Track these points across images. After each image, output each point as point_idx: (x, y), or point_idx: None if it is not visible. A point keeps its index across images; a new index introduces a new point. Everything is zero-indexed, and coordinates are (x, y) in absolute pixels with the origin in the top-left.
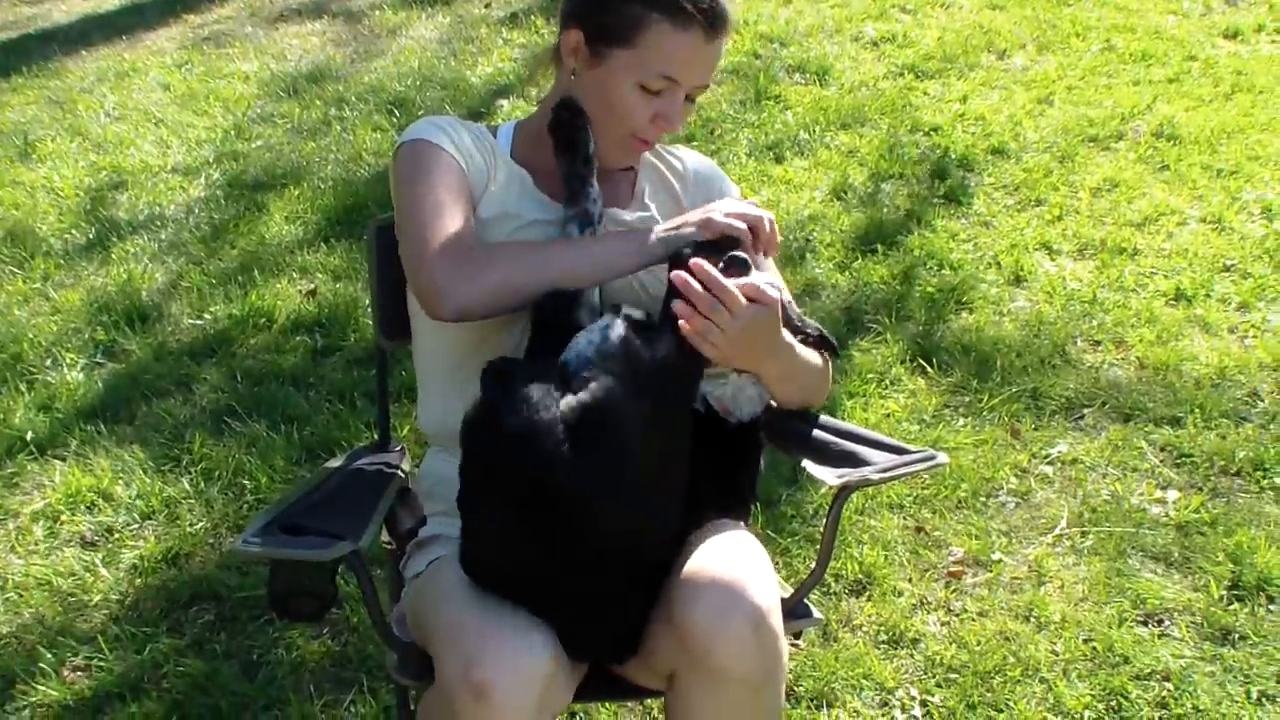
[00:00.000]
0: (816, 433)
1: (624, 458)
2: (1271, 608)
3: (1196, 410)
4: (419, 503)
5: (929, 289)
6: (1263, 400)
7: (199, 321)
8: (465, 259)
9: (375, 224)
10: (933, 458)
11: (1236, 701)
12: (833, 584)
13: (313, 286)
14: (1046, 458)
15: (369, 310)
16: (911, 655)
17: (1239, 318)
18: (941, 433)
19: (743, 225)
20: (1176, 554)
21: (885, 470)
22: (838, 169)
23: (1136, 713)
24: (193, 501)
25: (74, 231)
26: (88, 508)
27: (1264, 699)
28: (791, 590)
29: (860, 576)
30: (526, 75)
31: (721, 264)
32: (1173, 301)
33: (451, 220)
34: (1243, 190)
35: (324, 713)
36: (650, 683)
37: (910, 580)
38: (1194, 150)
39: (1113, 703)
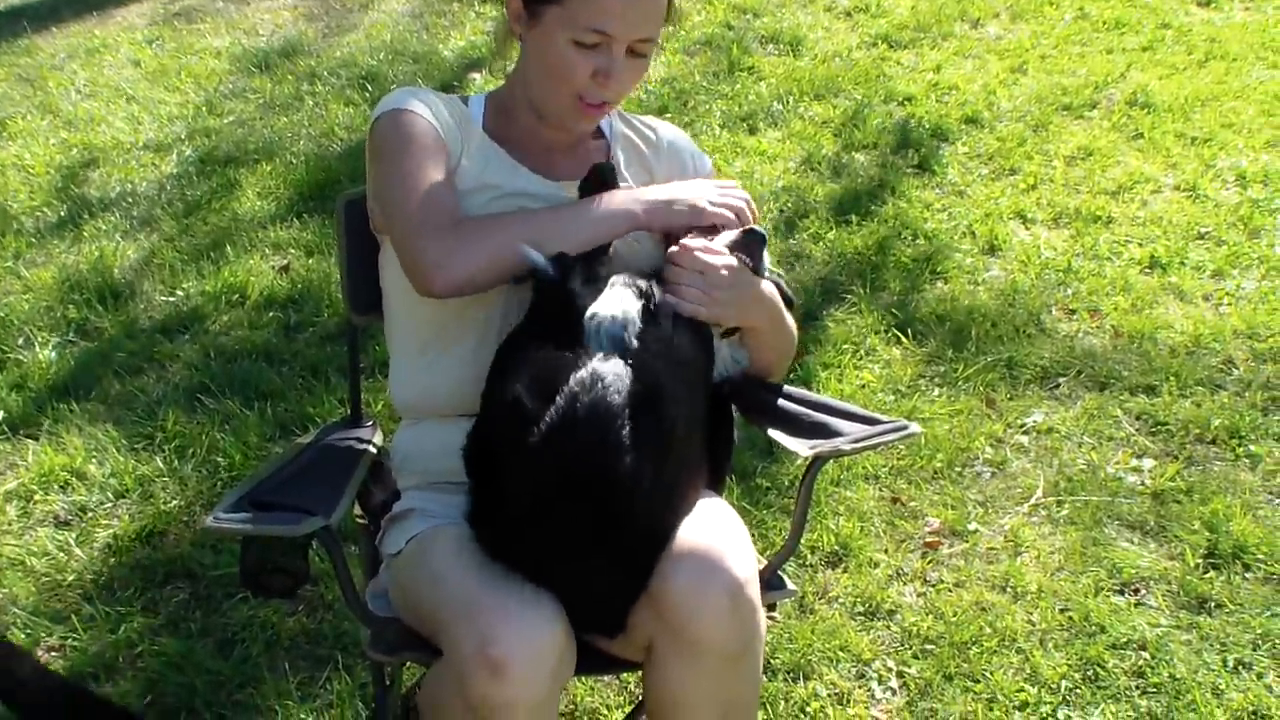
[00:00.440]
0: (787, 404)
1: (669, 444)
2: (1247, 576)
3: (1171, 378)
4: (391, 477)
5: (904, 259)
6: (1237, 368)
7: (171, 298)
8: (455, 233)
9: (344, 199)
10: (905, 427)
11: (1213, 670)
12: (808, 556)
13: (285, 262)
14: (1022, 427)
15: (341, 286)
16: (888, 627)
17: (1213, 285)
18: (917, 403)
19: (730, 215)
20: (1152, 523)
21: (857, 441)
22: (811, 140)
23: (1113, 682)
24: (166, 480)
25: (45, 209)
26: (61, 487)
27: (1240, 667)
28: (766, 563)
29: (836, 548)
30: (494, 49)
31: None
32: (1147, 270)
33: (438, 192)
34: (1216, 158)
35: (299, 690)
36: (627, 654)
37: (886, 551)
38: (1168, 118)
39: (1089, 672)
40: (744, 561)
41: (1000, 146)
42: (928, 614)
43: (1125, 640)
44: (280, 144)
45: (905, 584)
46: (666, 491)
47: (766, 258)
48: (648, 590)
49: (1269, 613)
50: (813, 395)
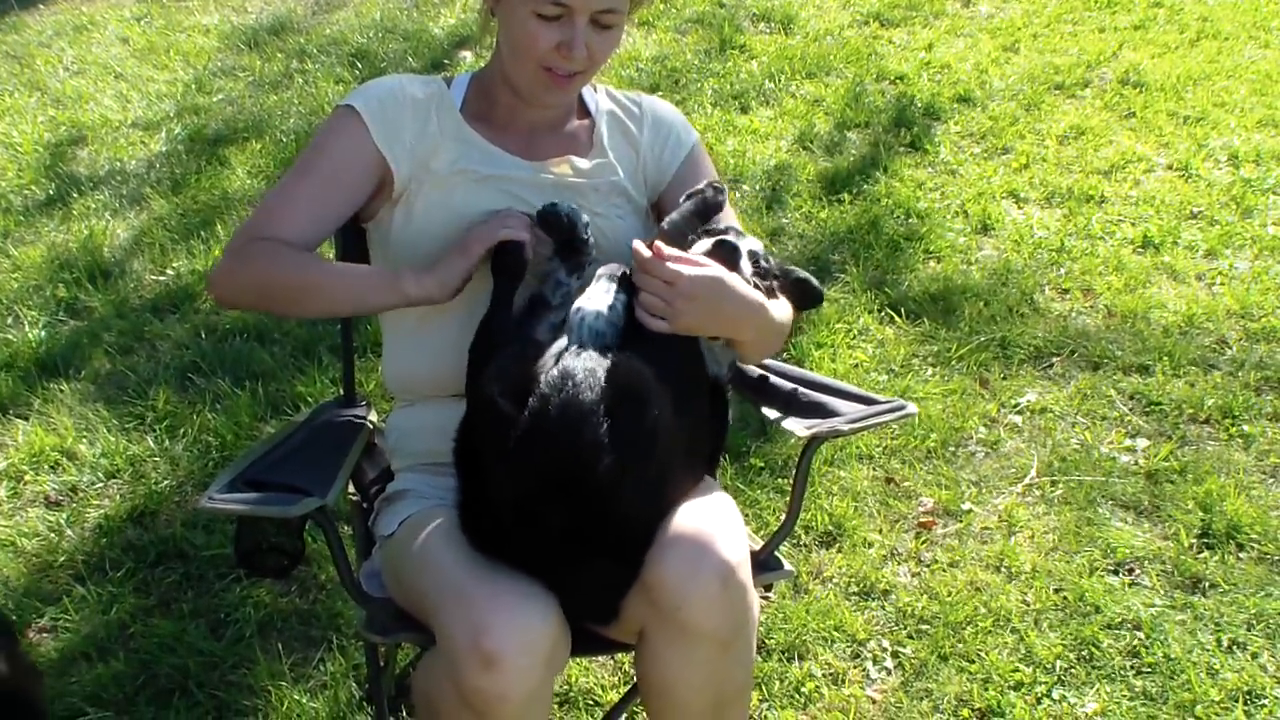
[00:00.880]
0: (784, 384)
1: (652, 438)
2: (1241, 555)
3: (1165, 358)
4: (384, 457)
5: (896, 238)
6: (1230, 348)
7: (161, 277)
8: (243, 263)
9: None
10: (902, 407)
11: (1208, 650)
12: (803, 536)
13: None
14: (1015, 407)
15: None
16: (883, 607)
17: (1206, 265)
18: (910, 382)
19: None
20: (1146, 503)
21: (854, 421)
22: (803, 118)
23: (1108, 662)
24: (158, 459)
25: (33, 187)
26: (51, 467)
27: (1235, 646)
28: (762, 543)
29: (830, 528)
30: (479, 29)
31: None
32: (1140, 249)
33: (285, 203)
34: (1209, 137)
35: (293, 671)
36: (621, 636)
37: (880, 531)
38: (1160, 97)
39: (1084, 652)
40: (735, 545)
41: (992, 125)
42: (922, 594)
43: (1120, 620)
44: (270, 122)
45: (899, 564)
46: (653, 486)
47: (746, 267)
48: (639, 575)
49: (1262, 592)
50: (810, 374)
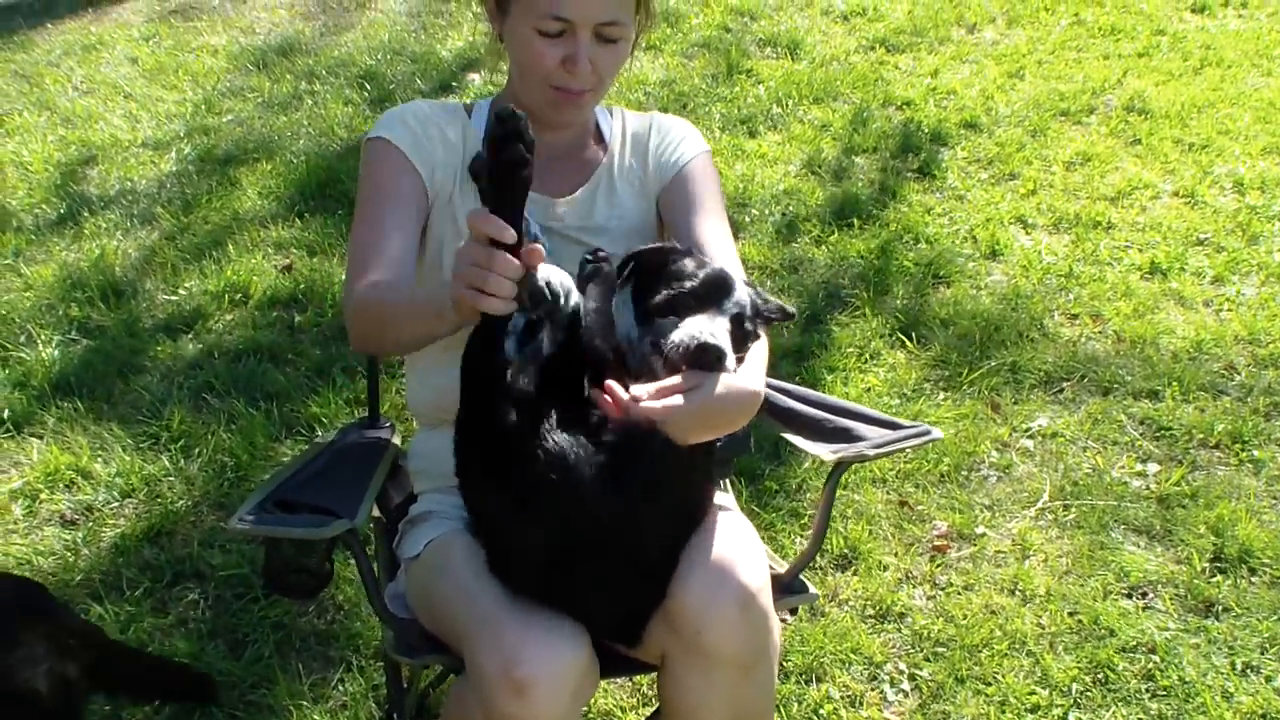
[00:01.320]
0: (809, 410)
1: (660, 482)
2: (1254, 580)
3: (1174, 383)
4: (408, 479)
5: (906, 263)
6: (1239, 373)
7: (174, 297)
8: (360, 312)
9: None
10: (927, 432)
11: (1222, 673)
12: (819, 559)
13: (288, 262)
14: (1027, 431)
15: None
16: (899, 629)
17: (1214, 291)
18: (922, 406)
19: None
20: (1158, 527)
21: (880, 445)
22: (811, 143)
23: (1123, 685)
24: (173, 479)
25: (44, 206)
26: (66, 486)
27: (1248, 670)
28: (785, 566)
29: (845, 551)
30: (490, 54)
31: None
32: (1148, 275)
33: (371, 237)
34: (1214, 164)
35: (312, 691)
36: (644, 658)
37: (895, 555)
38: (1165, 124)
39: (1099, 675)
40: (755, 571)
41: (999, 151)
42: (938, 617)
43: (1134, 643)
44: (280, 143)
45: (915, 587)
46: (671, 527)
47: (730, 359)
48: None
49: (1275, 616)
50: (832, 399)
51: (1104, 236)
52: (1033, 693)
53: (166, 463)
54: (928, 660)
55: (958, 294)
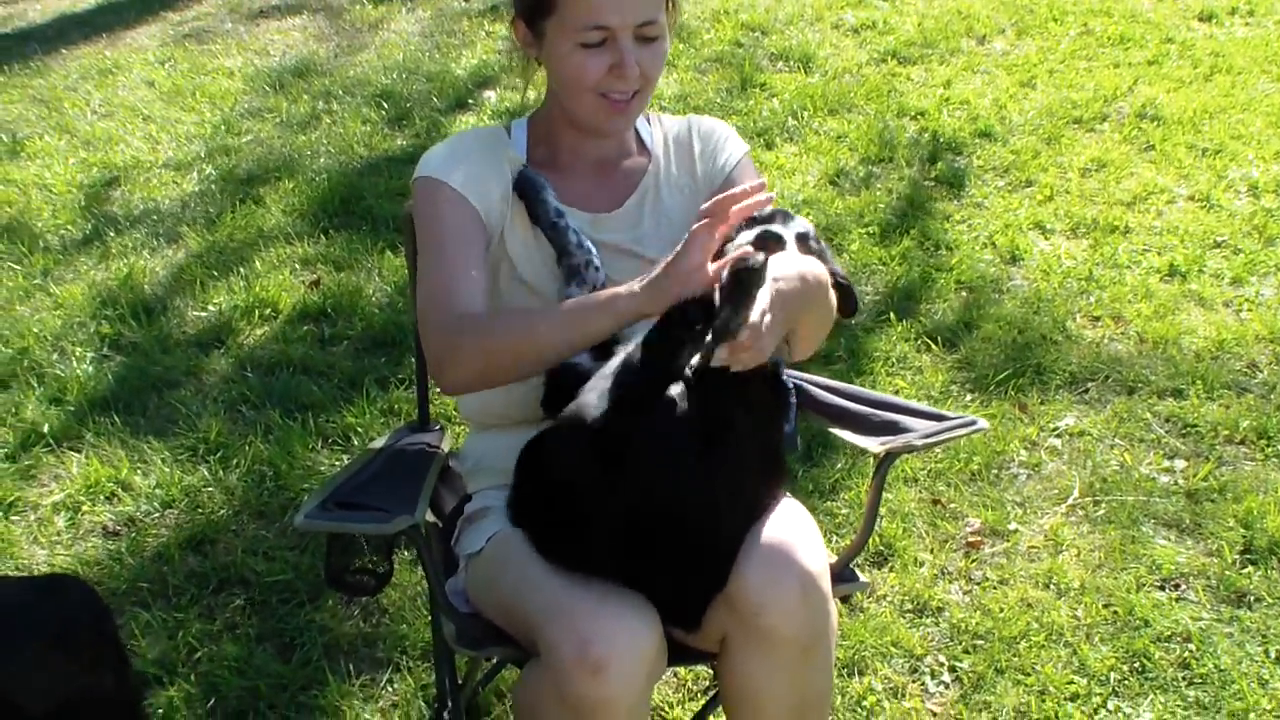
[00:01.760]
0: (854, 405)
1: (737, 467)
2: None
3: (1198, 382)
4: (459, 481)
5: (928, 269)
6: (1261, 371)
7: (203, 313)
8: (456, 352)
9: (409, 211)
10: (973, 423)
11: (1257, 660)
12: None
13: (315, 277)
14: (1054, 430)
15: (373, 299)
16: (936, 624)
17: (1233, 292)
18: (950, 408)
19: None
20: (1188, 521)
21: (927, 436)
22: (828, 154)
23: (1160, 673)
24: (213, 489)
25: (70, 227)
26: (107, 498)
27: None
28: (834, 557)
29: (881, 548)
30: (518, 74)
31: (757, 239)
32: (1167, 277)
33: (445, 280)
34: (1228, 168)
35: (361, 692)
36: (702, 645)
37: (930, 551)
38: (1177, 130)
39: (1136, 664)
40: (815, 555)
41: (1015, 159)
42: (975, 610)
43: (1169, 633)
44: (300, 161)
45: (950, 582)
46: (743, 508)
47: (793, 248)
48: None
49: None
50: (877, 394)
51: (1122, 240)
52: (1071, 682)
53: (206, 473)
54: (967, 652)
55: (980, 299)
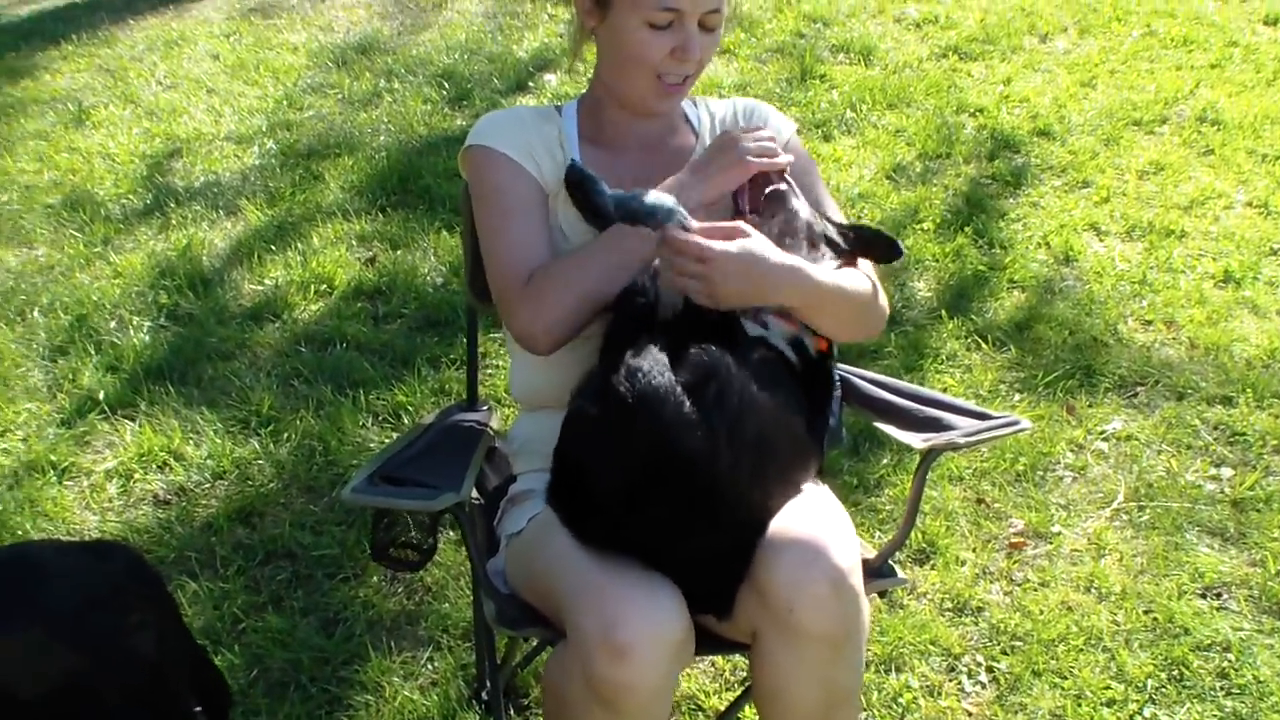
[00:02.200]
0: (899, 400)
1: (741, 418)
2: None
3: (1248, 390)
4: (505, 462)
5: (980, 267)
6: None
7: (260, 287)
8: (535, 302)
9: (466, 187)
10: (1016, 422)
11: None
12: (898, 553)
13: (371, 254)
14: (1102, 434)
15: (428, 278)
16: (976, 623)
17: None
18: (998, 407)
19: (772, 161)
20: (1232, 529)
21: (970, 434)
22: (885, 148)
23: (1198, 682)
24: (263, 462)
25: (131, 197)
26: (159, 467)
27: None
28: (874, 552)
29: (924, 546)
30: (570, 50)
31: (763, 198)
32: (1221, 283)
33: (514, 246)
34: None
35: (402, 668)
36: (735, 636)
37: (973, 550)
38: (1238, 135)
39: (1174, 672)
40: (847, 550)
41: (1072, 159)
42: (1014, 612)
43: (1209, 642)
44: (361, 139)
45: (992, 582)
46: (753, 468)
47: (800, 206)
48: (752, 578)
49: None
50: (922, 390)
51: (1177, 245)
52: (1108, 687)
53: (256, 446)
54: (1005, 653)
55: (1032, 299)
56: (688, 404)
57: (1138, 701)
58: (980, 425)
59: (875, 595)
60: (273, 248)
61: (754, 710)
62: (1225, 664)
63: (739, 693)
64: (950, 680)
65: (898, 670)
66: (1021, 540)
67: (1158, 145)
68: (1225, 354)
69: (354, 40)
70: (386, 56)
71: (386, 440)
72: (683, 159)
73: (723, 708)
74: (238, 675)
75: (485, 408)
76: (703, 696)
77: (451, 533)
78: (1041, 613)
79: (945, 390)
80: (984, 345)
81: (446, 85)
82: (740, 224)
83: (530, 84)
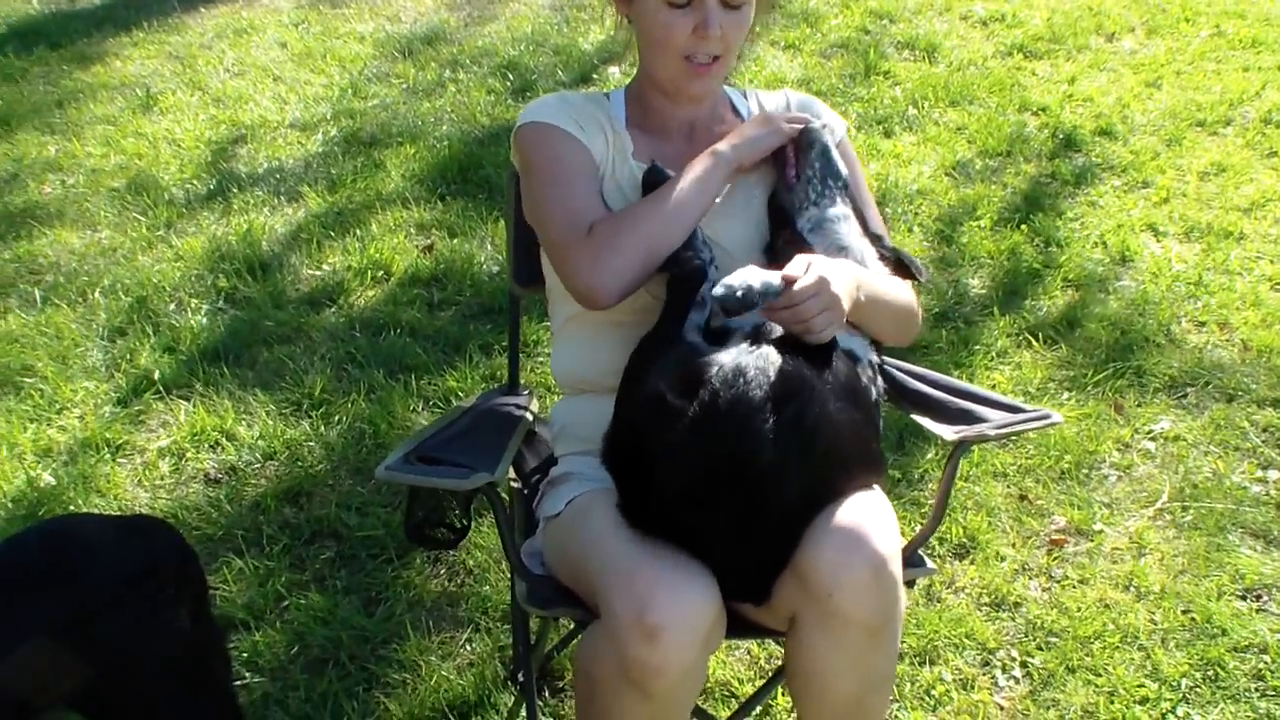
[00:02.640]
0: (933, 392)
1: (813, 434)
2: None
3: None
4: (545, 446)
5: (1035, 265)
6: None
7: (318, 272)
8: (595, 245)
9: (513, 172)
10: (1047, 416)
11: None
12: (937, 546)
13: (429, 242)
14: (1149, 433)
15: (484, 267)
16: (1013, 618)
17: None
18: (1045, 404)
19: (800, 126)
20: (1276, 532)
21: (1001, 427)
22: (946, 145)
23: (1233, 683)
24: (313, 444)
25: (195, 182)
26: (211, 446)
27: None
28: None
29: (964, 540)
30: (626, 43)
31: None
32: (1278, 286)
33: (577, 207)
34: None
35: (440, 649)
36: (771, 623)
37: (1013, 546)
38: None
39: (1210, 672)
40: (888, 538)
41: (1133, 159)
42: (1052, 608)
43: (1246, 643)
44: (423, 128)
45: (1030, 578)
46: (813, 476)
47: (848, 232)
48: (793, 563)
49: None
50: (957, 382)
51: (1235, 246)
52: (1142, 685)
53: (307, 428)
54: (1040, 649)
55: (1086, 298)
56: (771, 421)
57: (1171, 700)
58: (1011, 418)
59: (908, 586)
60: (332, 234)
61: (786, 695)
62: (1261, 665)
63: (775, 670)
64: (984, 674)
65: (931, 663)
66: (1063, 537)
67: (1220, 146)
68: (1278, 356)
69: (420, 30)
70: (452, 47)
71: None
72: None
73: None
74: (279, 651)
75: (526, 392)
76: (736, 684)
77: (493, 515)
78: (1079, 609)
79: (994, 387)
80: (1035, 343)
81: (510, 76)
82: (811, 261)
83: (594, 76)
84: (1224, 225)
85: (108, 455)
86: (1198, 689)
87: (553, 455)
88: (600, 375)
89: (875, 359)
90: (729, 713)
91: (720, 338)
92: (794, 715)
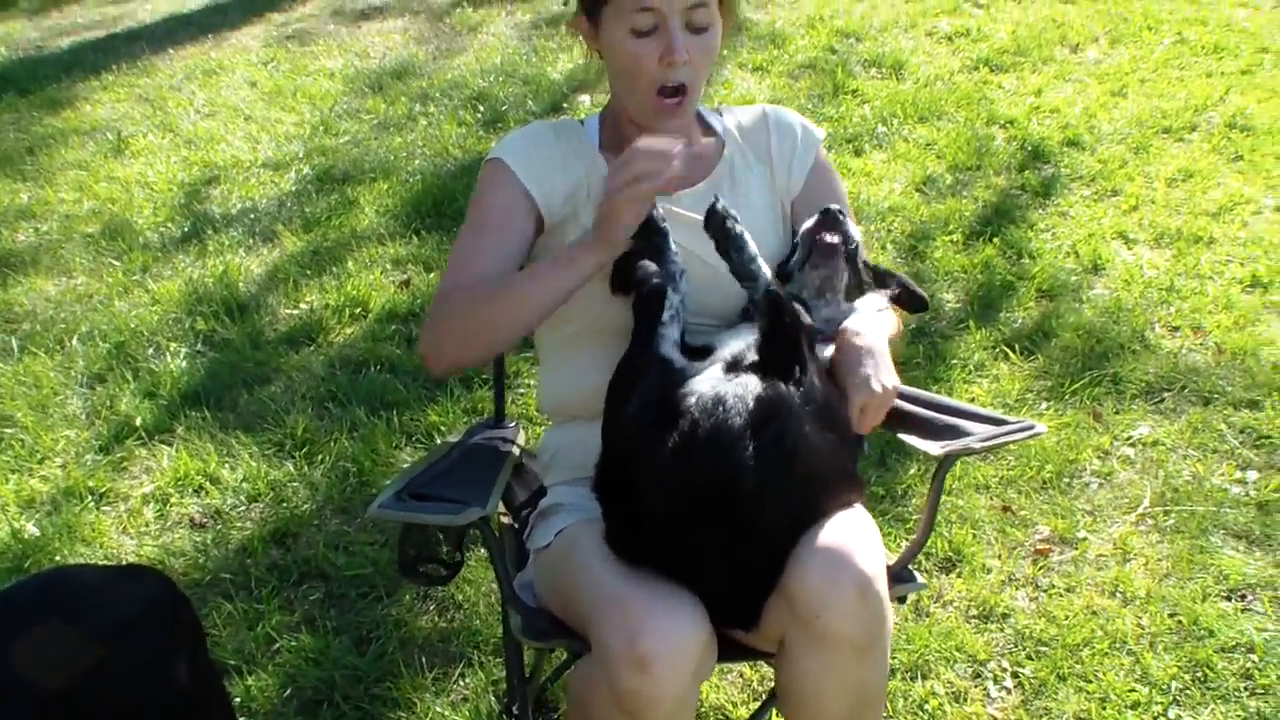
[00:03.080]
0: (917, 409)
1: (794, 460)
2: None
3: (1275, 394)
4: (534, 479)
5: (1009, 277)
6: None
7: (295, 311)
8: (443, 313)
9: None
10: (1031, 427)
11: None
12: (924, 561)
13: (406, 277)
14: (1128, 440)
15: None
16: (1002, 629)
17: None
18: (1025, 415)
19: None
20: (1258, 532)
21: (986, 440)
22: (916, 161)
23: (1222, 683)
24: (297, 484)
25: (169, 225)
26: (195, 490)
27: None
28: (894, 559)
29: (950, 554)
30: (596, 76)
31: (813, 248)
32: (1249, 288)
33: (469, 258)
34: None
35: (434, 685)
36: (761, 645)
37: (999, 558)
38: (1267, 141)
39: (1199, 674)
40: (872, 557)
41: (1102, 168)
42: (1040, 617)
43: (1233, 644)
44: (395, 163)
45: (1017, 589)
46: (796, 501)
47: (843, 265)
48: (780, 585)
49: None
50: (940, 398)
51: (1205, 251)
52: (1133, 690)
53: (291, 468)
54: (1030, 659)
55: (1060, 308)
56: (752, 448)
57: (1161, 704)
58: (995, 430)
59: (898, 602)
60: (308, 272)
61: (779, 717)
62: (1249, 665)
63: (768, 693)
64: (976, 686)
65: (923, 677)
66: (1047, 547)
67: (1187, 152)
68: (1252, 358)
69: (390, 65)
70: (421, 81)
71: (431, 451)
72: (703, 165)
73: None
74: (271, 694)
75: (513, 425)
76: (730, 707)
77: (482, 550)
78: (1067, 618)
79: (973, 400)
80: (1012, 354)
81: (481, 108)
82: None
83: (565, 105)
84: (1193, 230)
85: (91, 504)
86: (1188, 691)
87: (542, 487)
88: (589, 403)
89: None
90: None
91: (699, 354)
92: None
